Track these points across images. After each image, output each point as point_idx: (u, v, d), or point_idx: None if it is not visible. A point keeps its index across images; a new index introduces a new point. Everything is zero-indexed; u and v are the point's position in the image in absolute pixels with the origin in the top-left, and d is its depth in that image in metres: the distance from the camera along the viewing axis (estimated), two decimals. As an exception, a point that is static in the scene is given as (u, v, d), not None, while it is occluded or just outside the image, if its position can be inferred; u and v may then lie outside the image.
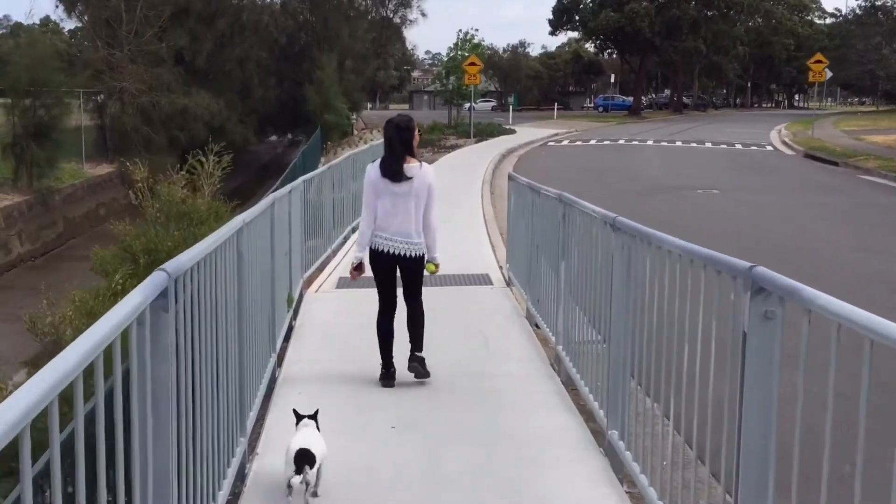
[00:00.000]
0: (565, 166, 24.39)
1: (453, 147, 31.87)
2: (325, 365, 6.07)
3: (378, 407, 5.08)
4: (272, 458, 4.25)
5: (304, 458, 3.54)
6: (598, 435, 4.64)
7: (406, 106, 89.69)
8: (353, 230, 12.51)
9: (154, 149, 26.46)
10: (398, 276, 5.62)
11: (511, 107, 57.87)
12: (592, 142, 35.43)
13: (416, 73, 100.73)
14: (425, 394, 5.35)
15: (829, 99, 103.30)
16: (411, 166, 5.44)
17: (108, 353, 1.93)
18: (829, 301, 2.02)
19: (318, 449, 3.64)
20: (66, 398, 1.72)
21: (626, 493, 3.99)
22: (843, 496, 2.07)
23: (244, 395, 4.08)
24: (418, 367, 5.44)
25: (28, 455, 1.41)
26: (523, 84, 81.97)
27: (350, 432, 4.61)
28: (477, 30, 53.71)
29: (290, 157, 31.14)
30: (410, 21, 48.98)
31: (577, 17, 71.03)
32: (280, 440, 4.45)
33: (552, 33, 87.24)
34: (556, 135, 39.60)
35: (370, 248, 5.51)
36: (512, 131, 39.44)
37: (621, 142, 35.02)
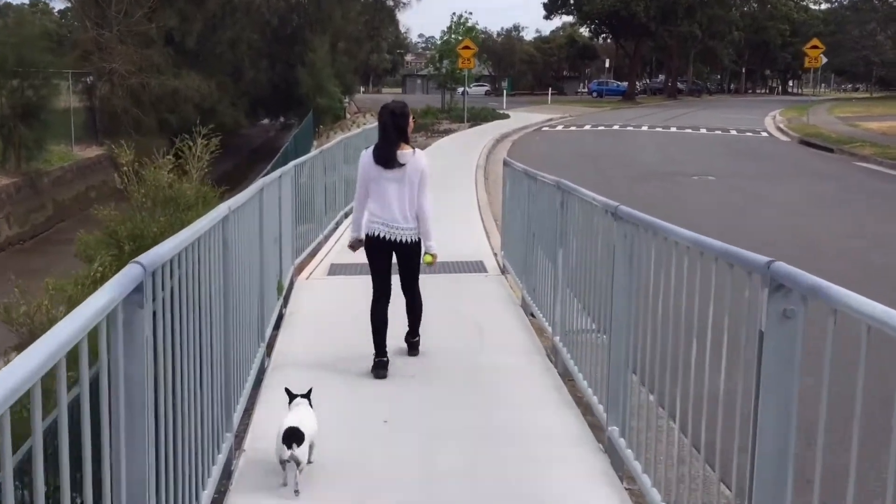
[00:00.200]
0: (559, 152, 24.20)
1: (447, 131, 31.64)
2: (316, 355, 5.90)
3: (370, 400, 4.92)
4: (260, 454, 4.09)
5: (293, 436, 3.60)
6: (596, 429, 4.50)
7: (399, 90, 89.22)
8: (346, 215, 12.33)
9: (144, 131, 26.12)
10: (394, 263, 5.60)
11: (505, 91, 57.55)
12: (587, 127, 35.22)
13: (409, 57, 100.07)
14: (419, 387, 5.19)
15: (823, 85, 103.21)
16: (404, 153, 5.42)
17: (75, 354, 1.77)
18: (860, 301, 1.87)
19: (308, 427, 3.70)
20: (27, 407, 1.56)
21: (626, 489, 3.86)
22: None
23: (230, 389, 3.92)
24: (412, 350, 5.70)
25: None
26: (517, 68, 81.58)
27: (341, 427, 4.45)
28: (471, 13, 53.26)
29: (282, 141, 30.82)
30: (404, 4, 48.58)
31: (571, 1, 70.65)
32: (269, 434, 4.30)
33: (547, 17, 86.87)
34: (551, 120, 39.36)
35: (367, 234, 5.49)
36: (506, 116, 39.18)
37: (616, 127, 34.83)
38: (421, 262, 5.59)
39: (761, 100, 73.67)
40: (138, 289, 2.15)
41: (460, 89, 40.96)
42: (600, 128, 34.61)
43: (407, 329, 5.79)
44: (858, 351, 1.91)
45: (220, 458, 3.65)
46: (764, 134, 32.45)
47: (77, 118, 26.91)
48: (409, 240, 5.46)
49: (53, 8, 46.72)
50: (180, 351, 2.75)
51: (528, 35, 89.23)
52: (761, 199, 15.40)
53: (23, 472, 1.76)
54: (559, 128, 35.42)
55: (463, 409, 4.77)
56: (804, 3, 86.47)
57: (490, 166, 20.44)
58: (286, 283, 7.51)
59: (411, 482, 3.87)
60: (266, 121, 43.37)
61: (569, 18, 78.43)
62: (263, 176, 7.74)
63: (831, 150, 25.22)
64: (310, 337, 6.44)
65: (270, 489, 3.68)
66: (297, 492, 3.60)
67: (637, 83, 74.38)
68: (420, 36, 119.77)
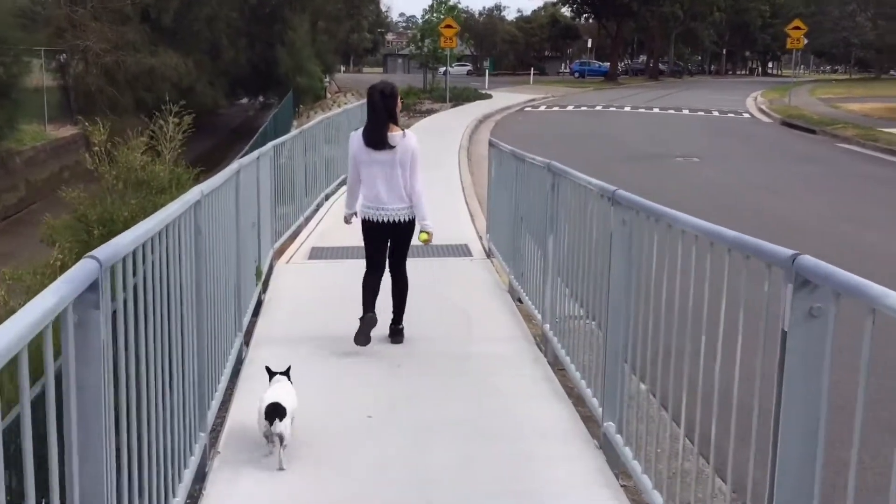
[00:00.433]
0: (543, 132, 23.96)
1: (429, 112, 31.29)
2: (297, 344, 5.66)
3: (354, 393, 4.69)
4: (236, 453, 3.87)
5: (275, 412, 3.66)
6: (589, 421, 4.32)
7: (380, 69, 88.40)
8: (327, 197, 12.06)
9: (120, 110, 25.55)
10: (388, 242, 5.63)
11: (487, 71, 57.08)
12: (570, 108, 34.98)
13: (390, 36, 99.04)
14: (405, 378, 4.98)
15: (802, 67, 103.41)
16: (394, 134, 5.41)
17: (17, 364, 1.53)
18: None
19: (288, 402, 3.77)
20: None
21: (622, 486, 3.68)
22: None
23: (204, 386, 3.68)
24: (397, 337, 5.56)
25: None
26: (499, 48, 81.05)
27: (322, 423, 4.23)
28: (452, -8, 52.57)
29: (261, 121, 30.30)
30: (384, -18, 47.83)
31: (554, -20, 70.09)
32: (247, 430, 4.08)
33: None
34: (533, 100, 39.08)
35: (362, 219, 5.55)
36: (488, 96, 38.84)
37: (599, 108, 34.62)
38: (415, 238, 5.60)
39: (742, 81, 73.70)
40: (93, 287, 1.90)
41: (442, 69, 40.53)
42: (583, 108, 34.39)
43: (392, 317, 5.65)
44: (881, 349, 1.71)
45: (193, 461, 3.43)
46: (746, 115, 32.37)
47: (51, 97, 26.25)
48: (401, 219, 5.49)
49: (26, -16, 45.49)
50: (145, 351, 2.51)
51: (510, 15, 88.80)
52: (746, 181, 15.27)
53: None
54: (542, 108, 35.15)
55: (452, 403, 4.55)
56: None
57: (473, 147, 20.18)
58: (265, 269, 7.26)
59: (400, 482, 3.66)
60: (245, 100, 42.65)
61: (551, -2, 77.92)
62: (242, 156, 7.45)
63: (814, 132, 25.17)
64: (290, 324, 6.20)
65: (251, 477, 3.49)
66: (281, 468, 3.65)
67: (619, 64, 74.10)
68: (401, 15, 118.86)
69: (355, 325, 5.78)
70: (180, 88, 27.60)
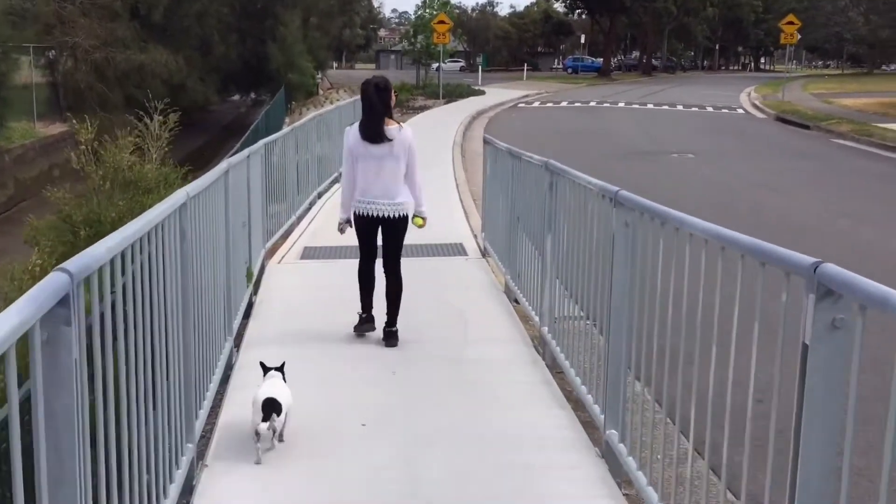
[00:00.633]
0: (537, 129, 23.83)
1: (422, 108, 31.14)
2: (288, 347, 5.50)
3: (346, 401, 4.55)
4: (225, 463, 3.73)
5: (271, 406, 3.68)
6: (590, 426, 4.20)
7: (372, 66, 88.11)
8: (320, 195, 11.90)
9: (110, 107, 25.30)
10: (382, 234, 5.67)
11: (480, 67, 56.90)
12: (563, 104, 34.86)
13: (382, 32, 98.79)
14: (400, 384, 4.84)
15: (794, 62, 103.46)
16: (391, 128, 5.40)
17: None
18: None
19: (284, 398, 3.80)
20: None
21: (624, 495, 3.56)
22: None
23: (192, 396, 3.53)
24: (392, 340, 5.47)
25: None
26: (492, 44, 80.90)
27: (314, 432, 4.09)
28: (445, -13, 52.34)
29: (253, 117, 30.07)
30: (376, -22, 47.60)
31: (546, -24, 69.92)
32: (238, 437, 3.95)
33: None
34: (527, 96, 38.95)
35: (354, 213, 5.55)
36: (481, 92, 38.69)
37: (593, 104, 34.51)
38: (409, 225, 5.62)
39: (735, 76, 73.67)
40: (63, 302, 1.76)
41: (435, 65, 40.35)
42: (577, 104, 34.28)
43: (385, 318, 5.55)
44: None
45: (180, 475, 3.28)
46: (740, 111, 32.31)
47: (40, 94, 26.00)
48: (394, 215, 5.48)
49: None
50: (126, 365, 2.36)
51: (503, 10, 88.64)
52: (742, 177, 15.18)
53: None
54: (536, 104, 35.03)
55: (448, 410, 4.41)
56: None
57: (467, 144, 20.04)
58: (256, 270, 7.11)
59: (394, 494, 3.53)
60: (237, 97, 42.39)
61: (544, -7, 77.73)
62: (233, 154, 7.29)
63: (808, 127, 25.11)
64: (281, 326, 6.05)
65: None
66: (259, 462, 3.65)
67: (612, 60, 73.99)
68: (393, 11, 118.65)
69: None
70: (171, 85, 27.35)
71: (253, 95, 40.83)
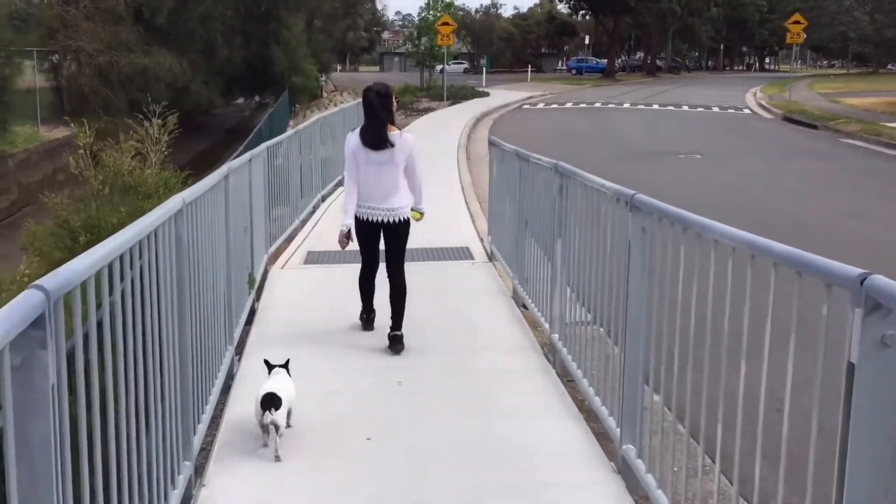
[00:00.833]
0: (542, 130, 23.66)
1: (426, 110, 30.97)
2: (291, 356, 5.33)
3: (351, 413, 4.38)
4: (226, 480, 3.58)
5: (271, 401, 3.74)
6: (603, 438, 4.04)
7: (376, 68, 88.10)
8: (324, 198, 11.75)
9: (113, 111, 25.23)
10: (381, 241, 5.69)
11: (484, 69, 56.75)
12: (568, 105, 34.68)
13: (386, 35, 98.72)
14: (406, 395, 4.67)
15: (799, 62, 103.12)
16: (392, 134, 5.41)
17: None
18: None
19: (285, 392, 3.86)
20: None
21: (642, 511, 3.39)
22: None
23: (189, 412, 3.37)
24: (397, 345, 5.39)
25: None
26: (496, 46, 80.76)
27: (317, 445, 3.94)
28: (448, -11, 52.18)
29: (257, 121, 29.97)
30: (380, -20, 47.49)
31: (550, -23, 69.72)
32: (238, 451, 3.80)
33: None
34: (531, 98, 38.78)
35: (356, 218, 5.56)
36: (485, 94, 38.51)
37: (598, 105, 34.32)
38: (412, 243, 5.67)
39: (739, 77, 73.39)
40: (38, 323, 1.61)
41: (439, 67, 40.20)
42: (582, 105, 34.09)
43: (390, 323, 5.47)
44: None
45: (177, 494, 3.13)
46: (746, 111, 32.09)
47: (44, 98, 25.93)
48: (395, 220, 5.48)
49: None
50: (114, 388, 2.20)
51: (507, 12, 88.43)
52: (751, 178, 14.99)
53: None
54: (540, 106, 34.85)
55: (457, 423, 4.23)
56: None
57: (472, 146, 19.89)
58: (259, 276, 6.95)
59: (400, 514, 3.37)
60: (241, 100, 42.33)
61: (548, -6, 77.50)
62: (235, 157, 7.13)
63: (815, 127, 24.89)
64: (284, 334, 5.89)
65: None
66: (277, 457, 3.70)
67: (616, 61, 73.76)
68: (397, 13, 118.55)
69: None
70: (175, 88, 27.30)
71: (257, 98, 40.77)
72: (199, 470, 3.65)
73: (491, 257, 8.11)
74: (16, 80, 21.91)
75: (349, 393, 4.70)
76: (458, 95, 35.97)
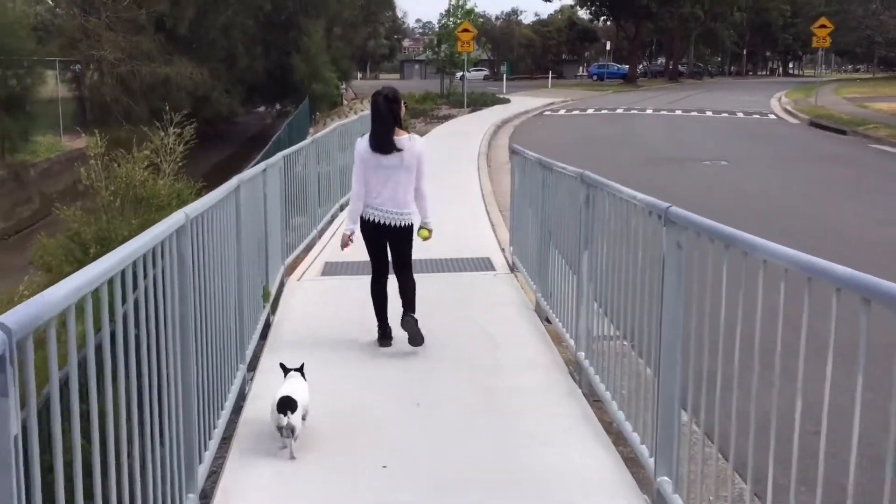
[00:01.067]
0: (564, 137, 23.38)
1: (446, 117, 30.81)
2: (308, 373, 5.15)
3: (368, 439, 4.16)
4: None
5: (286, 405, 3.77)
6: (633, 463, 3.79)
7: (397, 75, 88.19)
8: (342, 207, 11.57)
9: (135, 120, 25.24)
10: (388, 245, 5.67)
11: (504, 76, 56.58)
12: (590, 111, 34.37)
13: (406, 42, 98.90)
14: (424, 418, 4.44)
15: (824, 66, 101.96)
16: (401, 138, 5.41)
17: None
18: None
19: (300, 396, 3.90)
20: None
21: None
22: None
23: (193, 445, 3.16)
24: (412, 325, 5.42)
25: None
26: (516, 53, 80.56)
27: (331, 473, 3.72)
28: (469, -4, 52.05)
29: (278, 128, 29.99)
30: (400, -13, 47.47)
31: (571, -17, 69.42)
32: (247, 479, 3.59)
33: (546, 0, 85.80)
34: (552, 104, 38.50)
35: (361, 219, 5.55)
36: (506, 101, 38.30)
37: (620, 111, 33.97)
38: (415, 237, 5.62)
39: (763, 82, 72.64)
40: (-2, 366, 1.40)
41: (459, 74, 40.05)
42: (603, 112, 33.77)
43: (401, 311, 5.52)
44: None
45: (179, 532, 2.92)
46: (772, 116, 31.61)
47: (66, 108, 26.07)
48: (401, 224, 5.50)
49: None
50: (101, 431, 1.99)
51: (527, 18, 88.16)
52: (779, 184, 14.63)
53: None
54: (561, 112, 34.56)
55: (479, 449, 4.00)
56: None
57: (492, 153, 19.67)
58: (274, 289, 6.77)
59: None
60: (262, 108, 42.43)
61: (568, 0, 77.14)
62: (253, 166, 6.97)
63: (844, 132, 24.41)
64: (300, 351, 5.68)
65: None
66: (293, 457, 3.75)
67: (638, 66, 73.25)
68: (417, 21, 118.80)
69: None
70: (196, 97, 27.35)
71: (278, 106, 40.84)
72: (206, 495, 3.45)
73: (513, 268, 7.87)
74: (38, 90, 22.01)
75: (364, 414, 4.47)
76: (479, 102, 35.79)
